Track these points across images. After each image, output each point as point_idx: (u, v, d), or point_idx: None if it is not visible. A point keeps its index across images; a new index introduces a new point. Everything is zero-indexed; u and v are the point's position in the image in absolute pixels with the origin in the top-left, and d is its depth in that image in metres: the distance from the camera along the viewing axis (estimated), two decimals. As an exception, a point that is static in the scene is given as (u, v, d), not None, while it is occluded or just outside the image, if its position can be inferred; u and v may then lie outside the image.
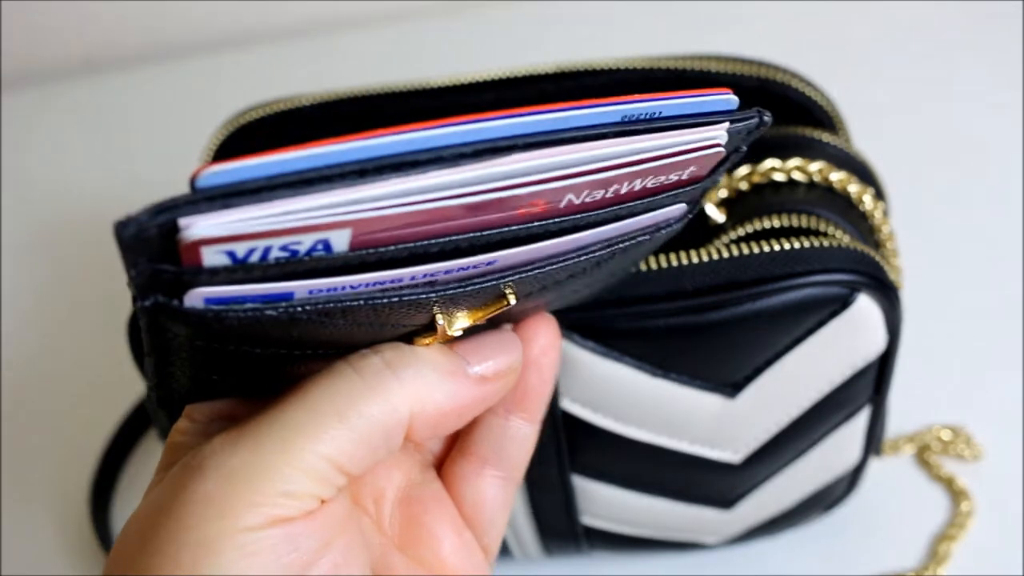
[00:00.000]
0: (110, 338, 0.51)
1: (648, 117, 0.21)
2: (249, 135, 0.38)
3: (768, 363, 0.33)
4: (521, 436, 0.29)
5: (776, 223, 0.33)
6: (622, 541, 0.40)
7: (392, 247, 0.20)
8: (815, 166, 0.35)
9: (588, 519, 0.39)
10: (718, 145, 0.23)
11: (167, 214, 0.18)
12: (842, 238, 0.33)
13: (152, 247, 0.18)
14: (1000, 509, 0.42)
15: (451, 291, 0.22)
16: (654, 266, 0.32)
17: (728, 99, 0.22)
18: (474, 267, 0.22)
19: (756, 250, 0.32)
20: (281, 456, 0.21)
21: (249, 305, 0.19)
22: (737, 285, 0.31)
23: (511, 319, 0.28)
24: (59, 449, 0.50)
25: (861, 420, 0.37)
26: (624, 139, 0.21)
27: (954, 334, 0.49)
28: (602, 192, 0.22)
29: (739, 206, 0.34)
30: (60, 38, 0.74)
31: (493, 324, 0.27)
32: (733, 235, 0.33)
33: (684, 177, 0.23)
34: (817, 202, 0.34)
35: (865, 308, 0.32)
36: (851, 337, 0.33)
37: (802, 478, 0.38)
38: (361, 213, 0.19)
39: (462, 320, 0.24)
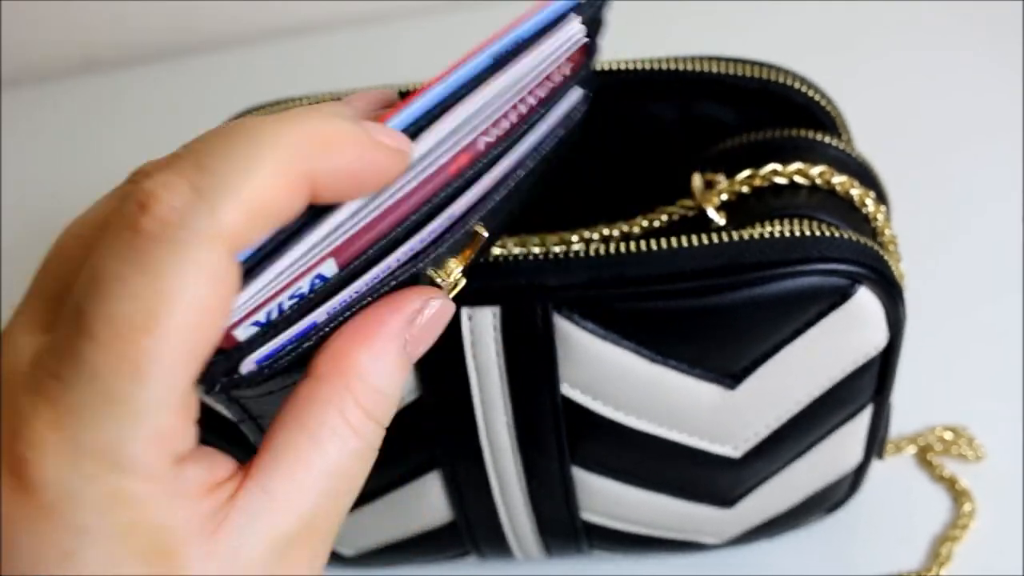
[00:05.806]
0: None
1: (513, 45, 0.24)
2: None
3: (767, 354, 0.33)
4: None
5: (777, 228, 0.33)
6: (622, 539, 0.40)
7: (369, 250, 0.23)
8: (817, 169, 0.34)
9: (588, 515, 0.39)
10: (579, 36, 0.26)
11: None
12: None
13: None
14: (1002, 510, 0.42)
15: (432, 255, 0.25)
16: (655, 247, 0.32)
17: None
18: (439, 227, 0.25)
19: (756, 235, 0.32)
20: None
21: (290, 347, 0.23)
22: (736, 269, 0.31)
23: None
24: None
25: (863, 420, 0.37)
26: (501, 73, 0.24)
27: (956, 334, 0.49)
28: (508, 121, 0.25)
29: (740, 209, 0.34)
30: (60, 38, 0.74)
31: None
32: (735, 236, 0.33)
33: (568, 72, 0.27)
34: (819, 206, 0.34)
35: (866, 301, 0.32)
36: (851, 331, 0.33)
37: (803, 478, 0.38)
38: (331, 244, 0.22)
39: (455, 267, 0.27)
